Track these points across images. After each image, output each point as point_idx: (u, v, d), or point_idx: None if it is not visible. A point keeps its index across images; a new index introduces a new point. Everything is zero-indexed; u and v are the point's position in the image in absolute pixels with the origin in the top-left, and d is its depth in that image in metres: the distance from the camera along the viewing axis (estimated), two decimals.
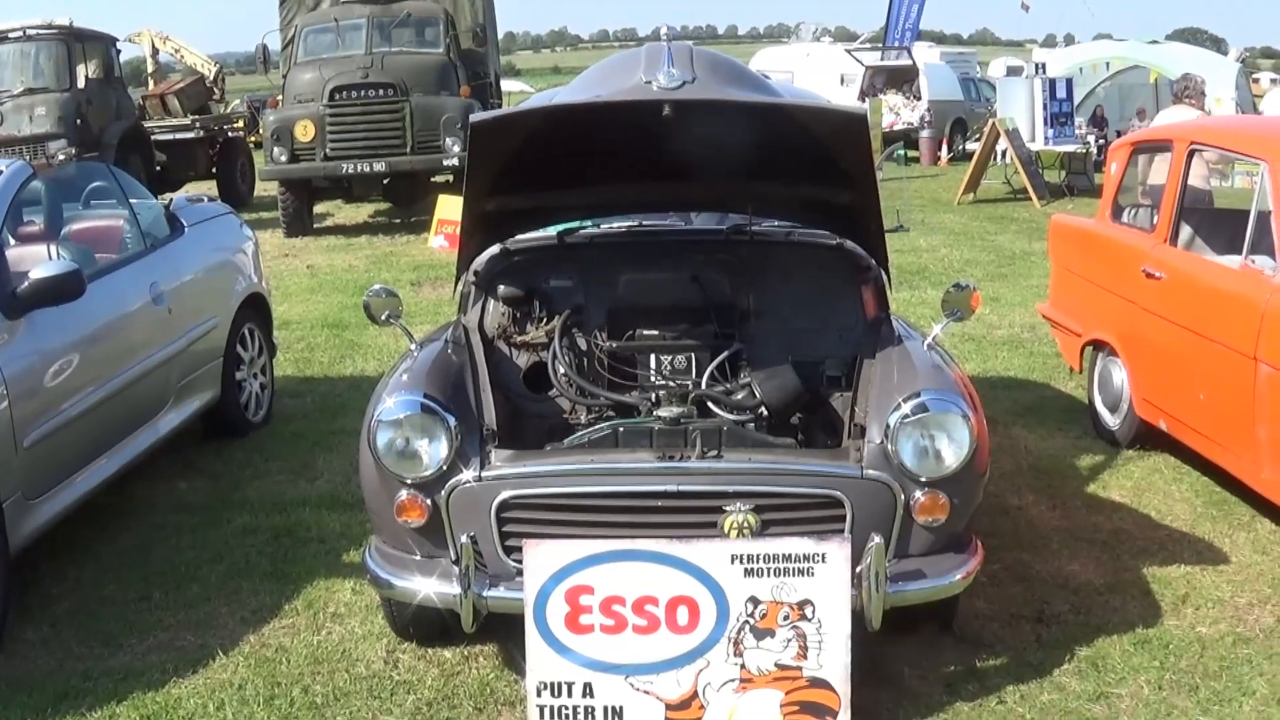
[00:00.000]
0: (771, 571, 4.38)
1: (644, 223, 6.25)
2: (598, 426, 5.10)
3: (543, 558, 4.42)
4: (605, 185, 5.79)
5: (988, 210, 18.78)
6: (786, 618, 4.40)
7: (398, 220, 19.01)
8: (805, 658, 4.42)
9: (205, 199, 9.72)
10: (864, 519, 4.59)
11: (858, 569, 4.45)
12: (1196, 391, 6.73)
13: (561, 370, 5.55)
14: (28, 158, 7.51)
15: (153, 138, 21.42)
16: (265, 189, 21.15)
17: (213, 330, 7.95)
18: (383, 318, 5.24)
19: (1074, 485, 7.21)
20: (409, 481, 4.73)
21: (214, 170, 23.02)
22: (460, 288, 6.05)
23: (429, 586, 4.73)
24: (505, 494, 4.65)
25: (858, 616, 4.48)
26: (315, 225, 18.47)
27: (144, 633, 5.61)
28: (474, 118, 4.92)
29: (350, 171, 17.72)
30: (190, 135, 22.60)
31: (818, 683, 4.43)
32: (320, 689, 5.06)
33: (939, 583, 4.74)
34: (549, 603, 4.42)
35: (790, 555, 4.38)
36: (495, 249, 6.00)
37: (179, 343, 7.41)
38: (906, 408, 4.69)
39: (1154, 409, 7.26)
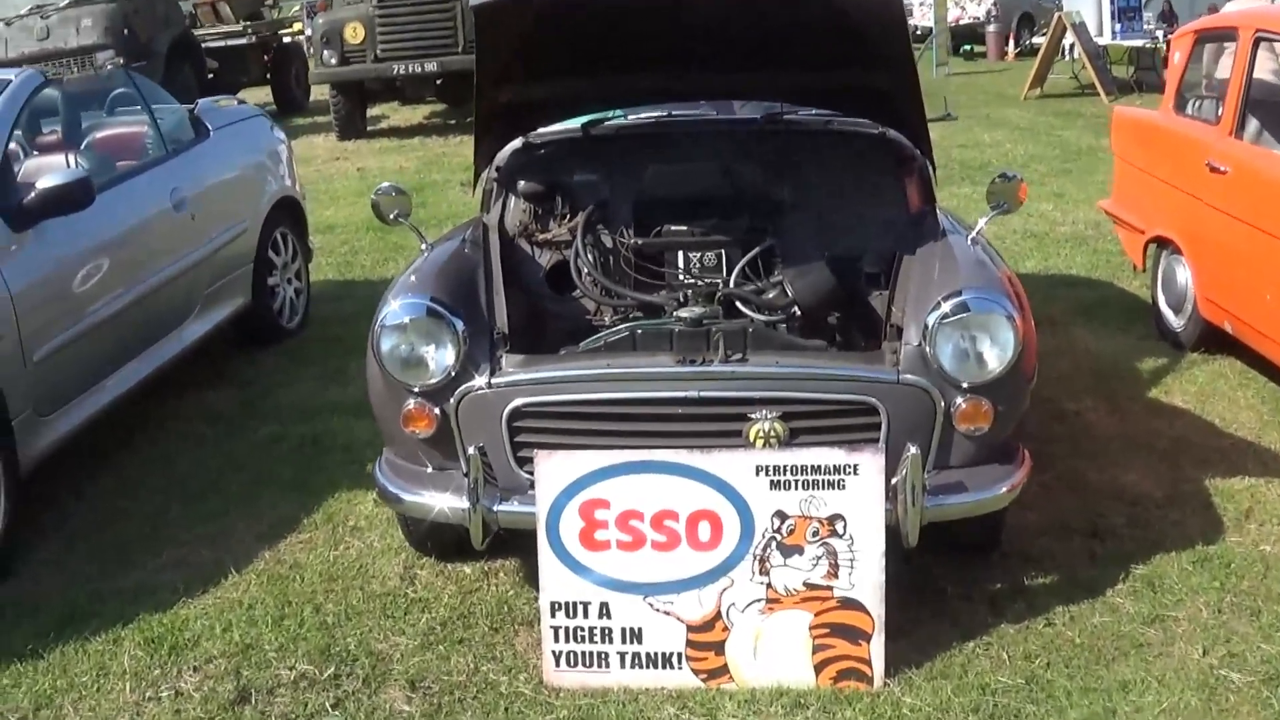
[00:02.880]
0: (800, 484, 4.13)
1: (674, 113, 5.95)
2: (615, 328, 4.81)
3: (556, 470, 4.18)
4: (628, 73, 5.45)
5: (1054, 105, 18.30)
6: (816, 534, 4.14)
7: (453, 121, 18.80)
8: (836, 576, 4.16)
9: (237, 102, 9.44)
10: (900, 427, 4.30)
11: (893, 481, 4.17)
12: (1263, 292, 6.39)
13: (584, 269, 5.27)
14: (75, 70, 7.32)
15: (204, 45, 21.17)
16: (322, 94, 20.98)
17: (241, 236, 7.74)
18: (391, 217, 5.01)
19: (1134, 389, 6.89)
20: (415, 389, 4.49)
21: (268, 76, 22.80)
22: (481, 184, 5.77)
23: (440, 501, 4.49)
24: (516, 401, 4.39)
25: (893, 533, 4.20)
26: (370, 128, 18.37)
27: (158, 549, 5.47)
28: (476, 1, 4.57)
29: (401, 72, 17.52)
30: (242, 41, 22.28)
31: (849, 603, 4.17)
32: (332, 608, 4.87)
33: (981, 496, 4.43)
34: (563, 518, 4.19)
35: (820, 467, 4.11)
36: (517, 143, 5.74)
37: (203, 249, 7.21)
38: (946, 307, 4.37)
39: (1219, 310, 6.92)
